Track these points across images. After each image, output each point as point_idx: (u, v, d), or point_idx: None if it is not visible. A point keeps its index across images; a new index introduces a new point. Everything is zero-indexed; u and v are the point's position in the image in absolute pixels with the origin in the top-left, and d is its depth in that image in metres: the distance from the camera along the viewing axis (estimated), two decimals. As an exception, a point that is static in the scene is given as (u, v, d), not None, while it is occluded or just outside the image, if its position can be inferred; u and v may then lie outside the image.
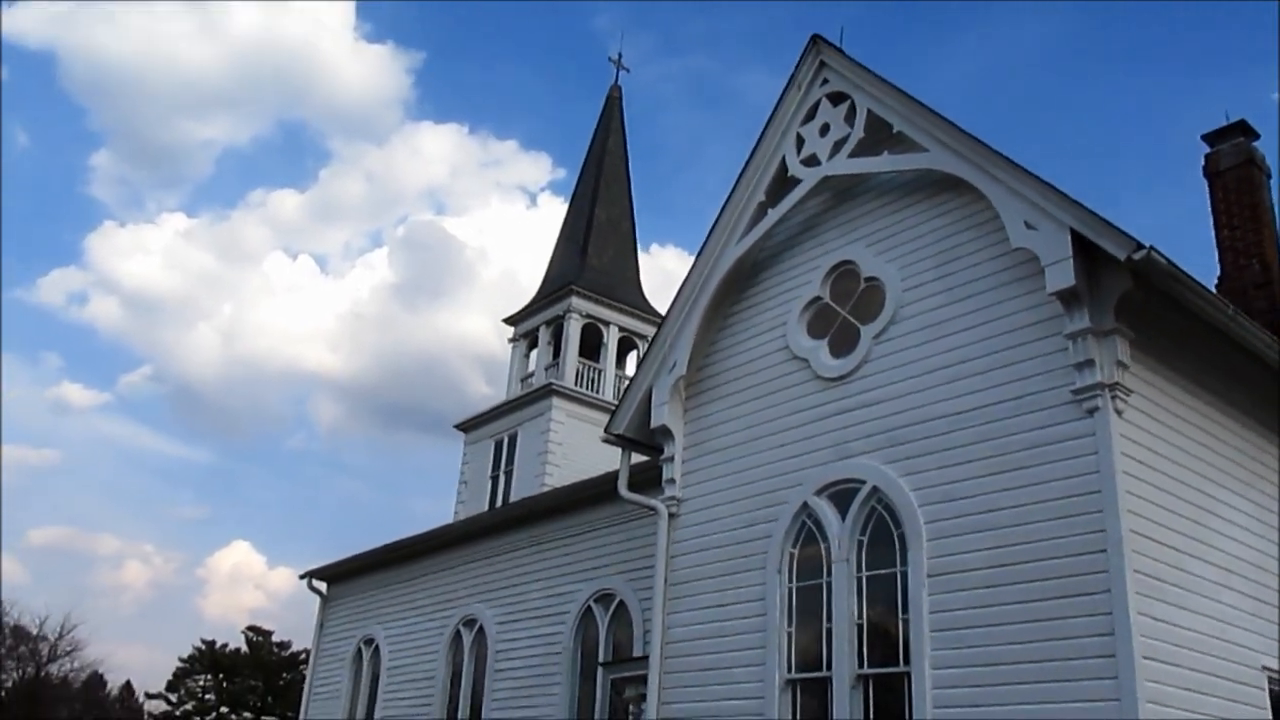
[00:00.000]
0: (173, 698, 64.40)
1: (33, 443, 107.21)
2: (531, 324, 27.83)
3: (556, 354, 26.54)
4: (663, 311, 26.60)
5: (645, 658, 11.88)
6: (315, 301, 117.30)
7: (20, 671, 62.42)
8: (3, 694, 60.19)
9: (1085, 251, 8.59)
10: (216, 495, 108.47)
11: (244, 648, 65.10)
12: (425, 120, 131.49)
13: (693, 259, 12.30)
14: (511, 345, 28.40)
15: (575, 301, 26.60)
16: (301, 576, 22.26)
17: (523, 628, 16.35)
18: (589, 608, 15.29)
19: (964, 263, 9.86)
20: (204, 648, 64.75)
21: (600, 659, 14.72)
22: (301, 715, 21.51)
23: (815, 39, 11.71)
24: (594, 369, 26.54)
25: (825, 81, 11.60)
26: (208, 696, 64.21)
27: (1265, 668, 9.10)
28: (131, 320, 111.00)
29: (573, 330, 26.40)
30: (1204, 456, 9.39)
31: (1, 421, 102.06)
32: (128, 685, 70.37)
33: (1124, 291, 8.48)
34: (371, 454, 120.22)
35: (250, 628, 66.43)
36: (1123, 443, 8.37)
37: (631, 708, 12.43)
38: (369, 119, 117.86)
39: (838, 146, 11.22)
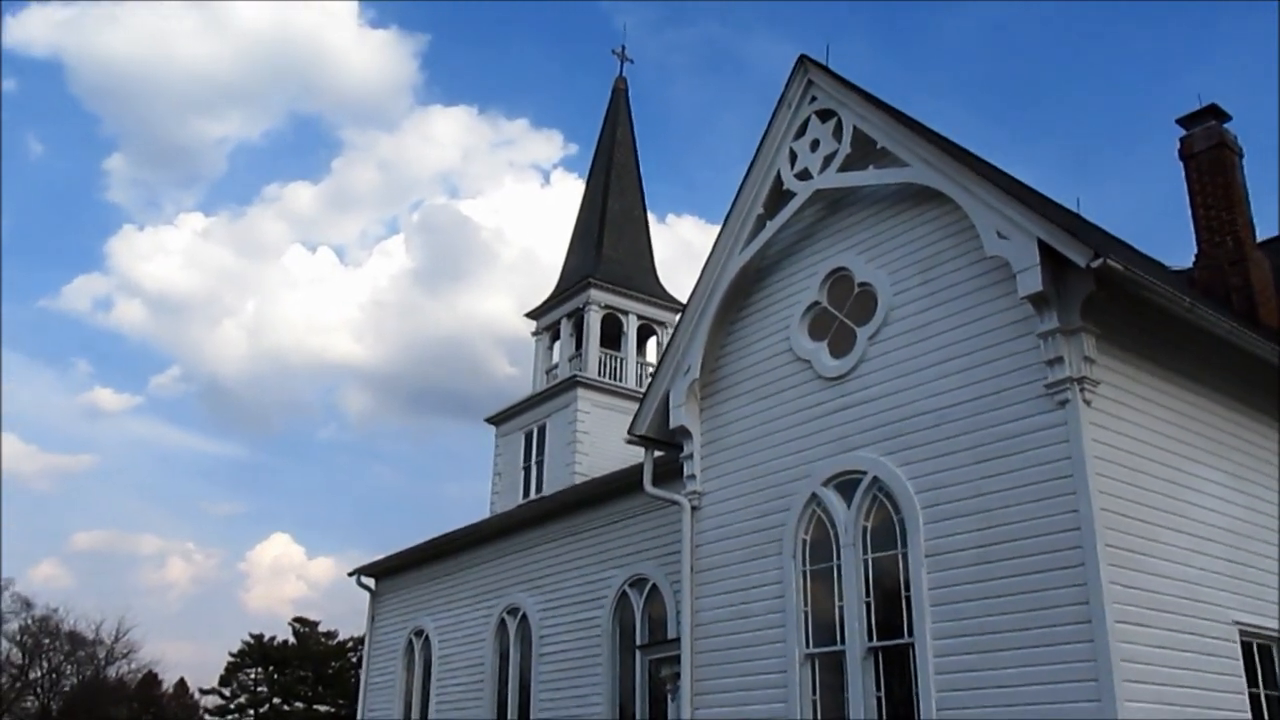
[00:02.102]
0: (226, 692, 66.36)
1: (69, 449, 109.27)
2: (553, 317, 28.83)
3: (579, 345, 27.54)
4: (677, 296, 27.84)
5: (678, 639, 12.94)
6: (337, 292, 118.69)
7: (79, 675, 64.45)
8: (60, 700, 62.21)
9: (1052, 258, 9.49)
10: (252, 490, 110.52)
11: (292, 639, 66.95)
12: (434, 104, 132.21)
13: (706, 255, 13.32)
14: (535, 339, 29.43)
15: (594, 293, 27.56)
16: (350, 574, 23.49)
17: (563, 613, 17.47)
18: (624, 592, 16.38)
19: (945, 268, 10.80)
20: (253, 641, 66.62)
21: (637, 640, 15.81)
22: (359, 706, 22.80)
23: (803, 59, 12.59)
24: (616, 358, 27.50)
25: (814, 99, 12.48)
26: (260, 689, 66.13)
27: (1237, 622, 10.05)
28: (157, 322, 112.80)
29: (593, 321, 27.37)
30: (1174, 434, 10.30)
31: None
32: (181, 682, 72.29)
33: (1089, 293, 9.38)
34: (402, 440, 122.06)
35: (297, 619, 68.33)
36: (1092, 430, 9.32)
37: (668, 685, 13.51)
38: (379, 106, 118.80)
39: (828, 161, 12.12)
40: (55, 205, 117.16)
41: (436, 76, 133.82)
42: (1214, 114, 14.43)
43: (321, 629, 67.75)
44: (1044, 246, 9.49)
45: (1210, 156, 14.24)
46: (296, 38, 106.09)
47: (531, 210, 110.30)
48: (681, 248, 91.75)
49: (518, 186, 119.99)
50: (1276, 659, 10.45)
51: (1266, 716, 10.07)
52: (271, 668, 65.98)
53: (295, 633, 67.43)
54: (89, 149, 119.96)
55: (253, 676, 66.73)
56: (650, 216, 31.31)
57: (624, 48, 32.89)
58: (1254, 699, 9.95)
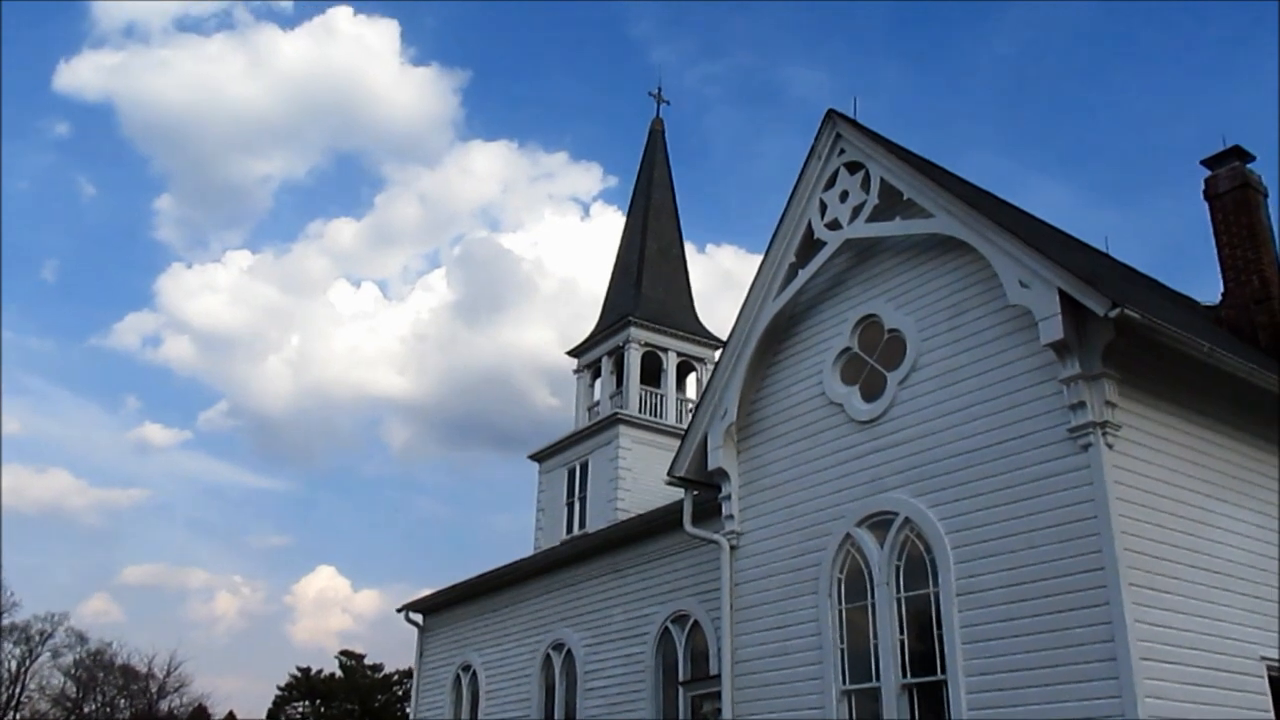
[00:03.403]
0: (274, 725, 67.11)
1: (120, 483, 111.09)
2: (593, 355, 29.43)
3: (619, 383, 28.08)
4: (717, 331, 28.33)
5: (719, 675, 13.32)
6: (379, 326, 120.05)
7: (132, 708, 65.49)
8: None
9: (1073, 306, 9.87)
10: (298, 523, 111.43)
11: (338, 672, 67.63)
12: (475, 139, 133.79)
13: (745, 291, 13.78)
14: (576, 376, 30.03)
15: (634, 332, 28.13)
16: (399, 610, 24.00)
17: (607, 649, 17.87)
18: (667, 628, 16.76)
19: (971, 315, 11.22)
20: (300, 674, 67.36)
21: (680, 676, 16.17)
22: (409, 739, 23.26)
23: (831, 113, 13.09)
24: (656, 394, 28.01)
25: (842, 151, 12.97)
26: (307, 723, 66.83)
27: (1264, 658, 10.29)
28: (205, 358, 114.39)
29: (633, 359, 27.92)
30: (1197, 474, 10.61)
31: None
32: (230, 715, 73.08)
33: (1109, 340, 9.75)
34: (444, 472, 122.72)
35: (343, 652, 68.98)
36: (1115, 472, 9.66)
37: (710, 720, 13.90)
38: (419, 142, 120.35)
39: (856, 211, 12.59)
40: (107, 245, 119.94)
41: (477, 111, 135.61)
42: (1238, 155, 14.78)
43: (367, 662, 68.42)
44: (1064, 296, 9.88)
45: (1235, 197, 14.57)
46: (339, 76, 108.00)
47: (571, 242, 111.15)
48: (722, 277, 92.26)
49: (557, 219, 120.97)
50: (1305, 693, 10.65)
51: (1296, 750, 10.28)
52: (318, 701, 66.66)
53: (342, 666, 68.10)
54: (139, 189, 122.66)
55: (300, 710, 67.44)
56: (690, 247, 31.94)
57: (660, 89, 33.64)
58: (1282, 733, 10.18)
